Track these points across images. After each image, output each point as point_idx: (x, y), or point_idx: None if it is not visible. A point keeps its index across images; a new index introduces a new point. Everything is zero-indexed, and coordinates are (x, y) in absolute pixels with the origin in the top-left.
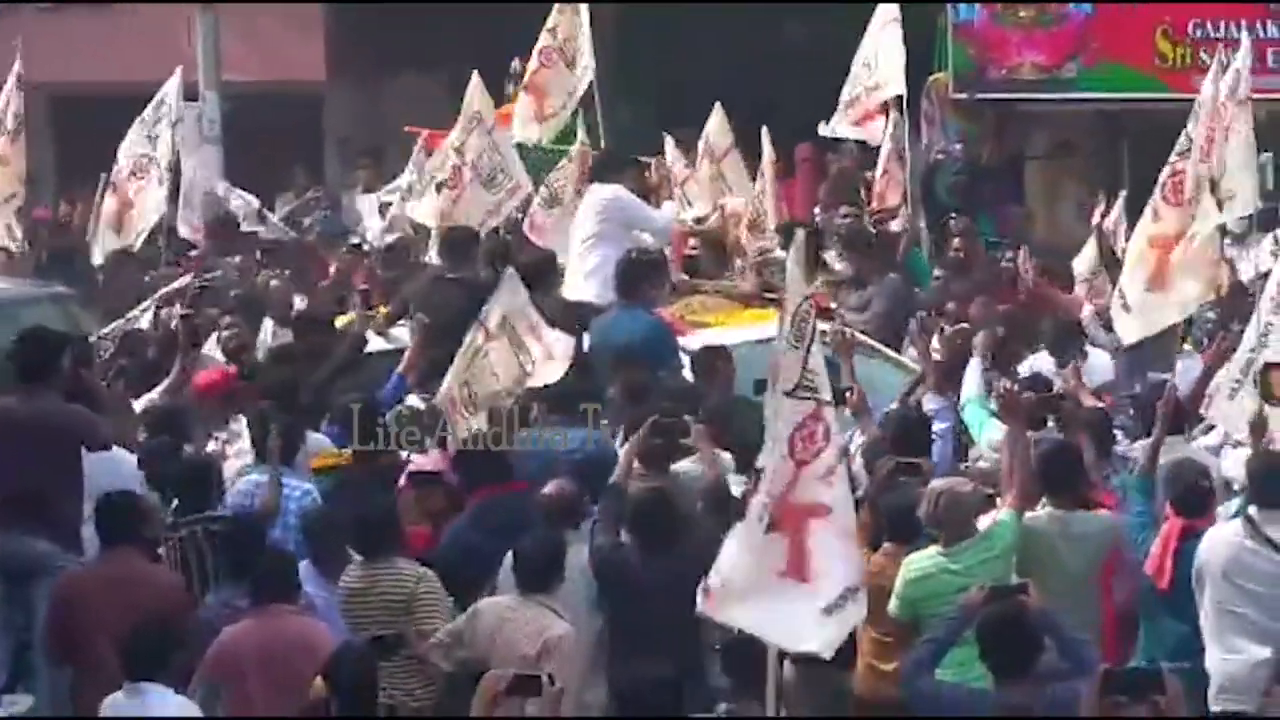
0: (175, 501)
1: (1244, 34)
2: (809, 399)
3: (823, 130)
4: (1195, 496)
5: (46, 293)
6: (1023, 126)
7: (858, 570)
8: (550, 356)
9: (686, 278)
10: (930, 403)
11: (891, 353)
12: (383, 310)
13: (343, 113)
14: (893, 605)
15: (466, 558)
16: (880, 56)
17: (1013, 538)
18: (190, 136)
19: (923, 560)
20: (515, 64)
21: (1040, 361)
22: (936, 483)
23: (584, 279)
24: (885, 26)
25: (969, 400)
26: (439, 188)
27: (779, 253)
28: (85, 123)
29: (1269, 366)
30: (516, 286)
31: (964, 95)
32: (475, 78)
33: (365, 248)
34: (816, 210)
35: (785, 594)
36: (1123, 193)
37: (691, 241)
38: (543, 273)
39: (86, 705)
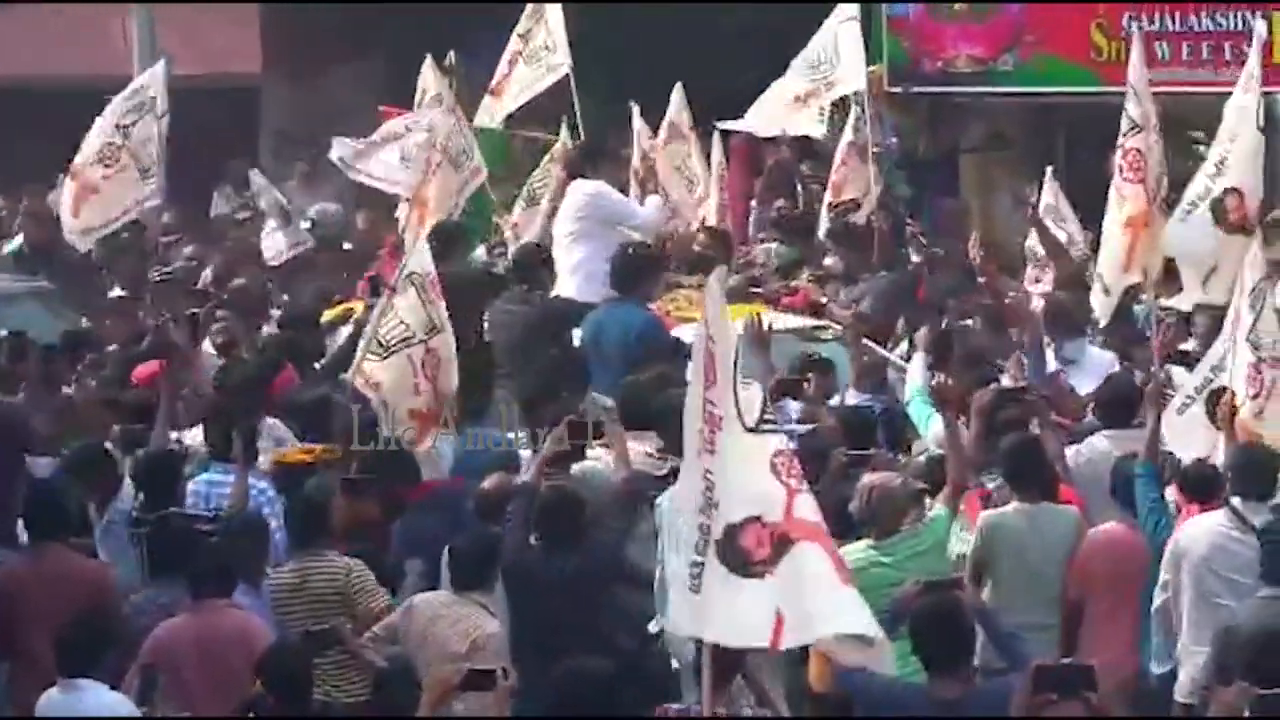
0: (141, 495)
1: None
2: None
3: (754, 128)
4: (1205, 480)
5: (27, 288)
6: (958, 119)
7: None
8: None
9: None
10: (851, 398)
11: (881, 350)
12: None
13: (279, 105)
14: None
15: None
16: (841, 53)
17: (945, 531)
18: None
19: (855, 554)
20: (452, 56)
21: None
22: (867, 478)
23: (567, 276)
24: (843, 24)
25: (914, 394)
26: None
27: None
28: (21, 117)
29: (1217, 391)
30: (425, 250)
31: (899, 88)
32: (428, 60)
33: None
34: (752, 203)
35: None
36: (1048, 172)
37: (701, 238)
38: (531, 266)
39: (21, 701)
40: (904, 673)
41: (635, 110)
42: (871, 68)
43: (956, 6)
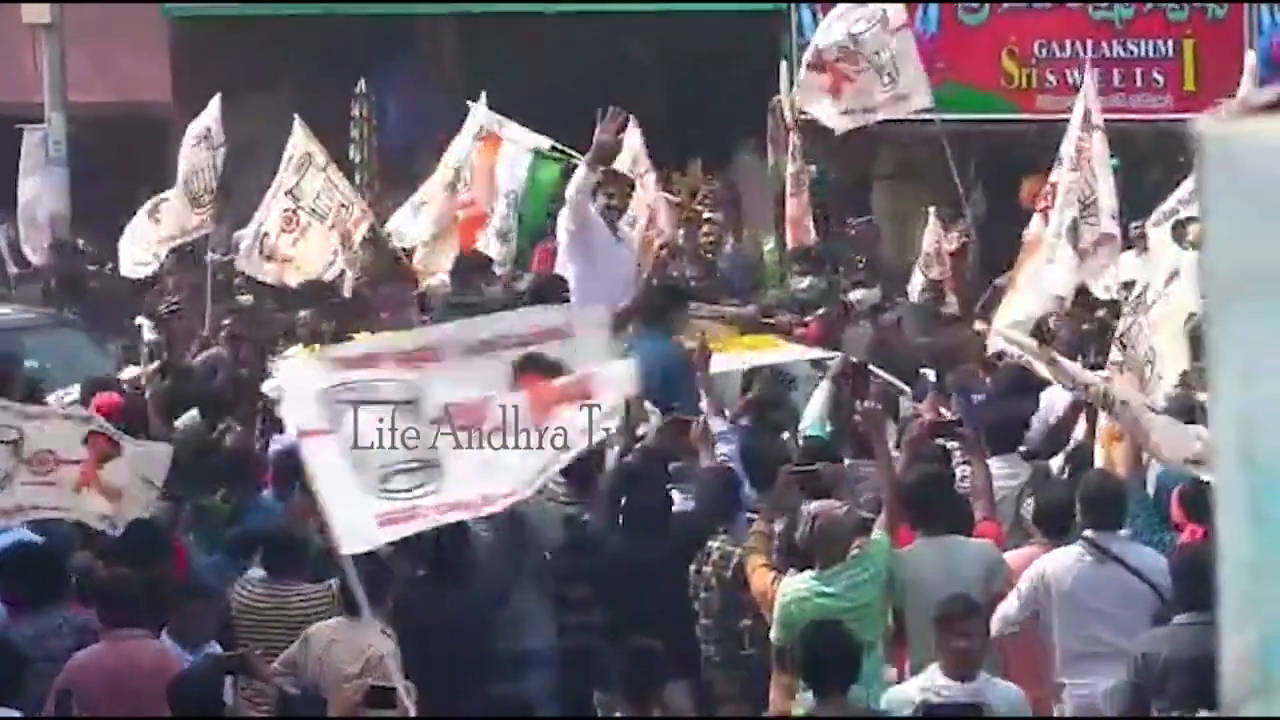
0: None
1: (1088, 73)
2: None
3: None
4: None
5: (54, 319)
6: (869, 147)
7: None
8: None
9: None
10: (716, 425)
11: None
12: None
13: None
14: (773, 632)
15: None
16: (899, 64)
17: (885, 559)
18: (34, 158)
19: (797, 585)
20: (361, 84)
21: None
22: (811, 505)
23: None
24: (897, 33)
25: (811, 425)
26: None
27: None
28: None
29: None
30: None
31: (808, 116)
32: (297, 123)
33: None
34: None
35: None
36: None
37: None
38: (547, 294)
39: None
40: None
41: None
42: (779, 96)
43: None
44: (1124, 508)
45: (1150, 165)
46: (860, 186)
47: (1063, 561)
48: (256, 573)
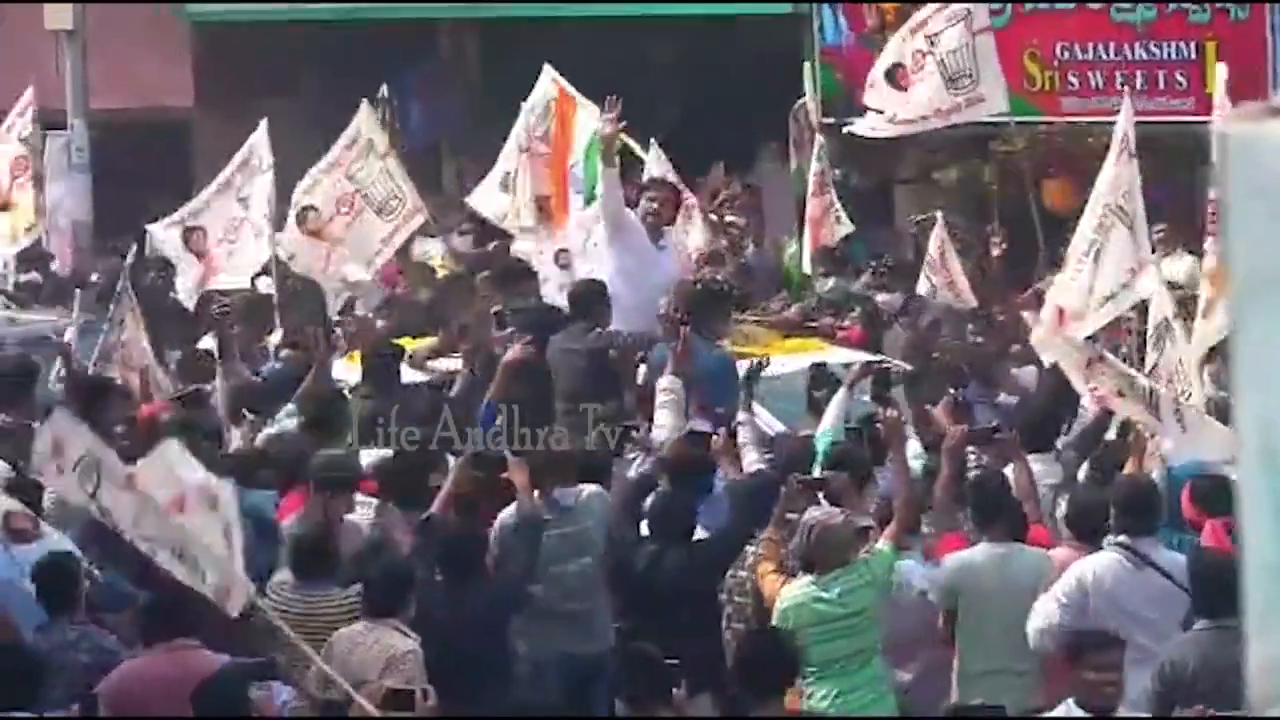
0: None
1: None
2: None
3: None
4: (1221, 489)
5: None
6: (891, 150)
7: None
8: None
9: None
10: (701, 423)
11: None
12: (416, 342)
13: (211, 139)
14: None
15: None
16: (980, 67)
17: (885, 569)
18: (57, 164)
19: (795, 590)
20: (384, 89)
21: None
22: (810, 514)
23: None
24: (979, 35)
25: (825, 432)
26: (301, 217)
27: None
28: None
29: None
30: None
31: (831, 119)
32: (364, 105)
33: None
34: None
35: None
36: (939, 217)
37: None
38: (590, 302)
39: None
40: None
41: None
42: (801, 99)
43: (889, 37)
44: (1158, 513)
45: (1174, 168)
46: (882, 191)
47: (1103, 565)
48: (284, 576)
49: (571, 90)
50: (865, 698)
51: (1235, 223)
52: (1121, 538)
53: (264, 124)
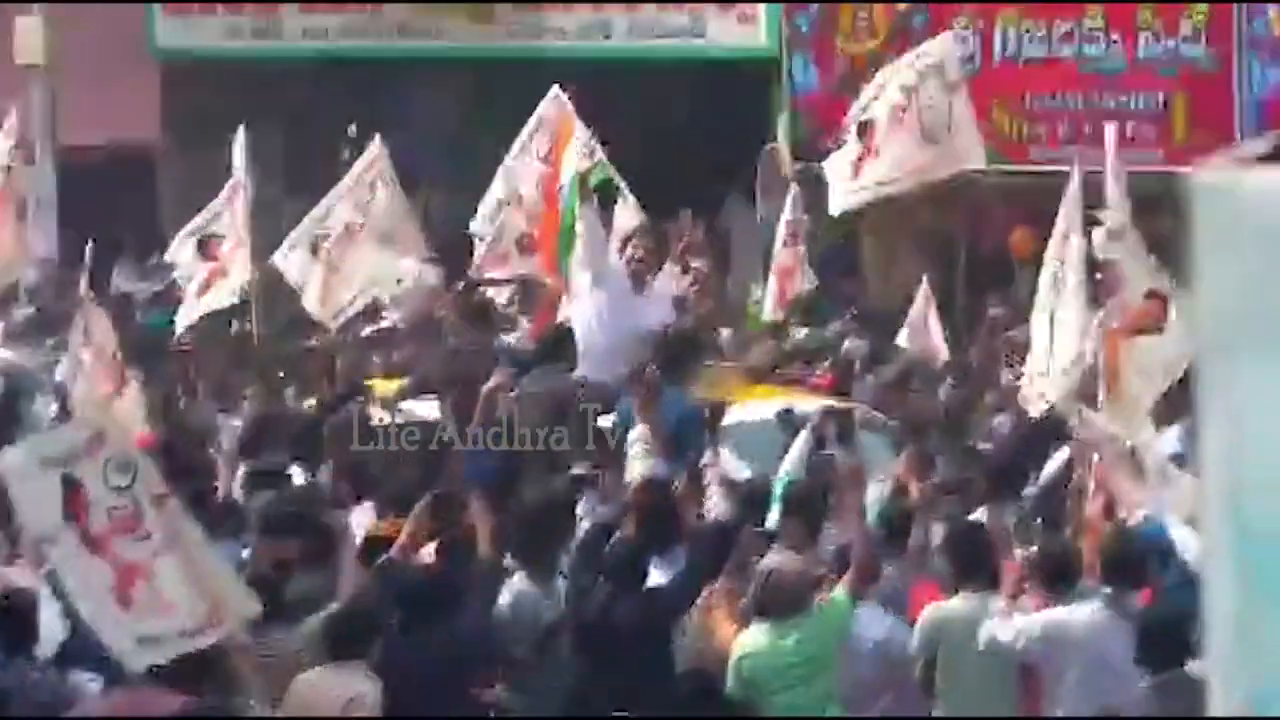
0: None
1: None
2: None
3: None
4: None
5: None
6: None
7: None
8: None
9: None
10: (658, 468)
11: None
12: (387, 384)
13: (177, 173)
14: (729, 682)
15: None
16: (956, 123)
17: (844, 616)
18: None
19: (751, 638)
20: (352, 128)
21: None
22: (767, 560)
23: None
24: (953, 90)
25: (783, 476)
26: (314, 248)
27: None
28: None
29: None
30: None
31: (800, 165)
32: (377, 139)
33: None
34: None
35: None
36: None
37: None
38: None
39: None
40: None
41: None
42: (773, 144)
43: (860, 85)
44: (1145, 568)
45: (1142, 218)
46: (848, 240)
47: (1086, 619)
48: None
49: (571, 113)
50: None
51: (1206, 273)
52: (1106, 590)
53: (241, 137)
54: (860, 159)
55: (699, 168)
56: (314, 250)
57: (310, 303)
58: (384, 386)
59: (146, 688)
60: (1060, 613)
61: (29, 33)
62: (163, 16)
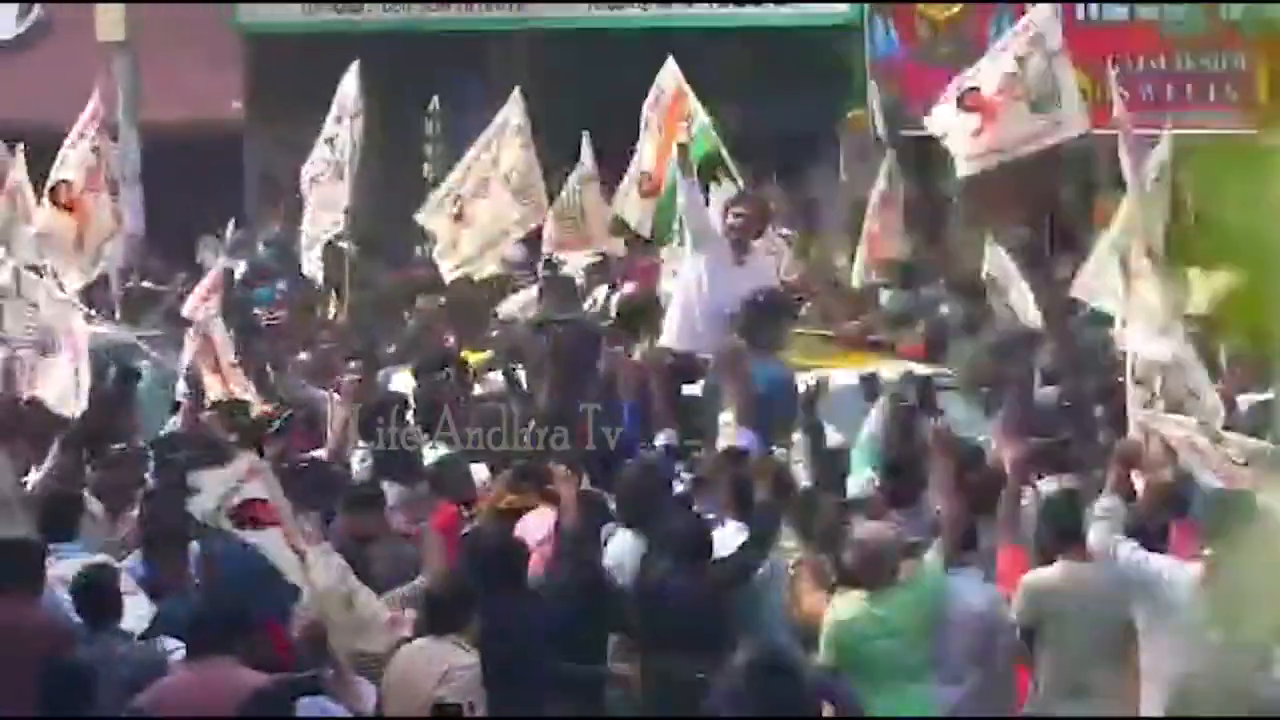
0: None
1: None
2: None
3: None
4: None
5: (136, 337)
6: (946, 163)
7: None
8: None
9: None
10: (742, 438)
11: None
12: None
13: (262, 148)
14: (822, 652)
15: None
16: (1061, 91)
17: (937, 584)
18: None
19: (848, 606)
20: (435, 101)
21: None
22: (860, 530)
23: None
24: (1055, 56)
25: (862, 441)
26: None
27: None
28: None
29: None
30: None
31: (884, 132)
32: (516, 93)
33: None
34: None
35: None
36: (989, 240)
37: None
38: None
39: None
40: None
41: (585, 140)
42: (855, 112)
43: (942, 49)
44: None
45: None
46: (936, 203)
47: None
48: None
49: (686, 88)
50: (914, 715)
51: None
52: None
53: (355, 67)
54: (980, 128)
55: (784, 136)
56: (449, 205)
57: (440, 255)
58: (475, 357)
59: (225, 662)
60: (1047, 574)
61: (110, 10)
62: None
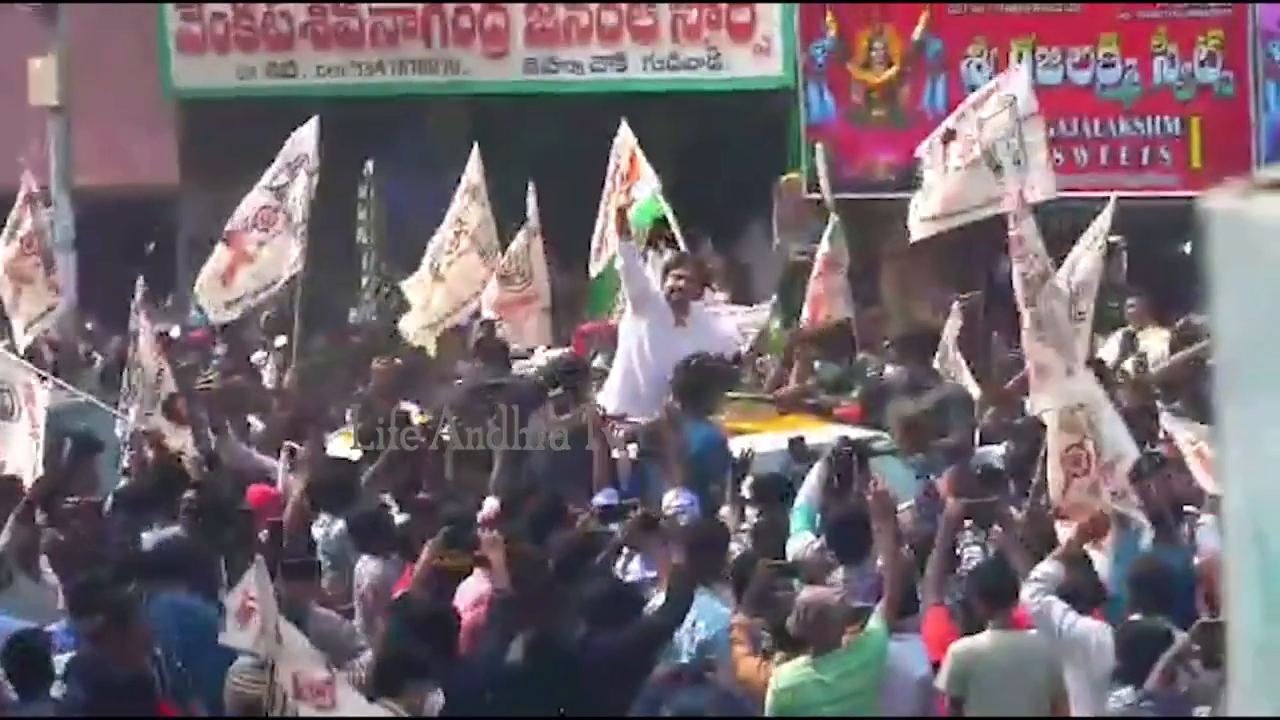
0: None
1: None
2: None
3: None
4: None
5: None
6: (878, 225)
7: None
8: None
9: None
10: (683, 498)
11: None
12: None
13: (196, 214)
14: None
15: None
16: (1028, 153)
17: (882, 647)
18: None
19: (792, 672)
20: (369, 167)
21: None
22: (805, 594)
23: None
24: (1026, 120)
25: (800, 506)
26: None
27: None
28: None
29: None
30: None
31: (817, 195)
32: (475, 152)
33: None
34: None
35: None
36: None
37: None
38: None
39: None
40: None
41: (530, 193)
42: (790, 175)
43: (875, 113)
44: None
45: (1156, 243)
46: (869, 265)
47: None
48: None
49: (638, 152)
50: None
51: (1222, 299)
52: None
53: (314, 122)
54: (934, 189)
55: (718, 199)
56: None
57: (411, 315)
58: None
59: None
60: (974, 642)
61: (43, 73)
62: (177, 57)
